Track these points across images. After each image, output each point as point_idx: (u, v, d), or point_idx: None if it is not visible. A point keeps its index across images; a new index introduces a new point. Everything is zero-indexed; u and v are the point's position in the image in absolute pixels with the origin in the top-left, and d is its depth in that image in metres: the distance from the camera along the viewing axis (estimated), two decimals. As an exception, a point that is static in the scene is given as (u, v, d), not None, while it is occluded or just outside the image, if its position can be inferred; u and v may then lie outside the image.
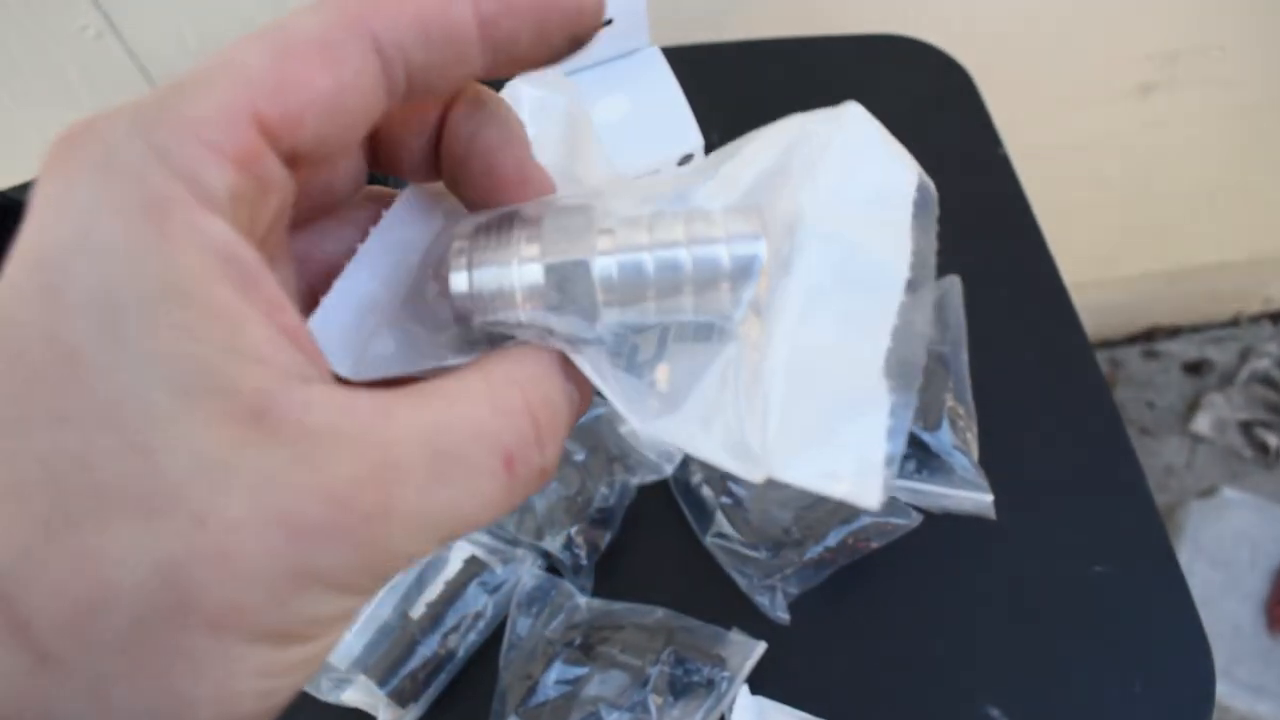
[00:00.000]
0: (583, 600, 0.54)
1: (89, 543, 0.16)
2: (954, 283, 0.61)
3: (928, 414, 0.56)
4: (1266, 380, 1.67)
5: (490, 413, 0.20)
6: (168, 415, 0.16)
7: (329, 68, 0.19)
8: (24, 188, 0.74)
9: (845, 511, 0.54)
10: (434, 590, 0.55)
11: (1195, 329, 1.72)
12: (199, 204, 0.17)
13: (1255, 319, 1.73)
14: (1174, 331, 1.72)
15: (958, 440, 0.56)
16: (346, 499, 0.17)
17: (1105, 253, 1.45)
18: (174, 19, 0.84)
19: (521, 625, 0.53)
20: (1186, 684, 0.53)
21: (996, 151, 0.68)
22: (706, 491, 0.56)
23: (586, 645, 0.52)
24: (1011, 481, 0.57)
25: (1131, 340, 1.71)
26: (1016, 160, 0.68)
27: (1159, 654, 0.54)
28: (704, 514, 0.56)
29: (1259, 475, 1.60)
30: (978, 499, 0.55)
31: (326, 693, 0.54)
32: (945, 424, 0.56)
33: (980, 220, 0.66)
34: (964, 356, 0.59)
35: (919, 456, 0.57)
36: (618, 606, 0.54)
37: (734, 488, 0.56)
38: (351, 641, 0.54)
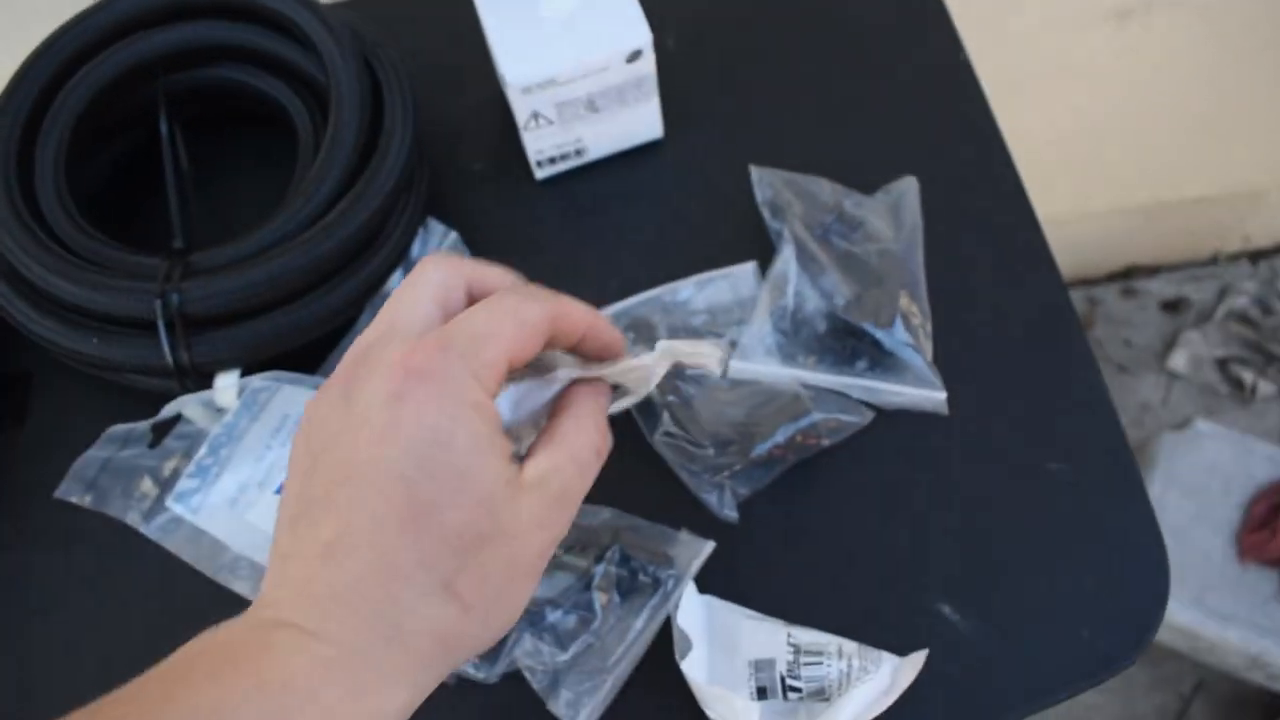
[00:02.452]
0: (527, 501, 0.53)
1: (481, 557, 0.36)
2: (910, 184, 0.60)
3: (880, 312, 0.55)
4: (1243, 318, 1.67)
5: (579, 450, 0.40)
6: (500, 495, 0.36)
7: (537, 340, 0.39)
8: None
9: (795, 409, 0.53)
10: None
11: (1174, 267, 1.71)
12: (489, 401, 0.37)
13: (1234, 257, 1.72)
14: (1153, 270, 1.71)
15: (911, 338, 0.55)
16: (563, 497, 0.39)
17: (1080, 187, 1.44)
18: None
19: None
20: (1140, 582, 0.52)
21: (959, 57, 0.67)
22: (654, 390, 0.55)
23: (529, 546, 0.51)
24: (966, 381, 0.56)
25: (1110, 279, 1.70)
26: (986, 88, 0.67)
27: (1113, 552, 0.53)
28: (651, 414, 0.55)
29: (1234, 412, 1.60)
30: (931, 396, 0.54)
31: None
32: (899, 322, 0.55)
33: (941, 125, 0.65)
34: (919, 256, 0.58)
35: (871, 354, 0.56)
36: None
37: (682, 386, 0.55)
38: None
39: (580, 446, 0.40)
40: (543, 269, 0.59)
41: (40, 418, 0.60)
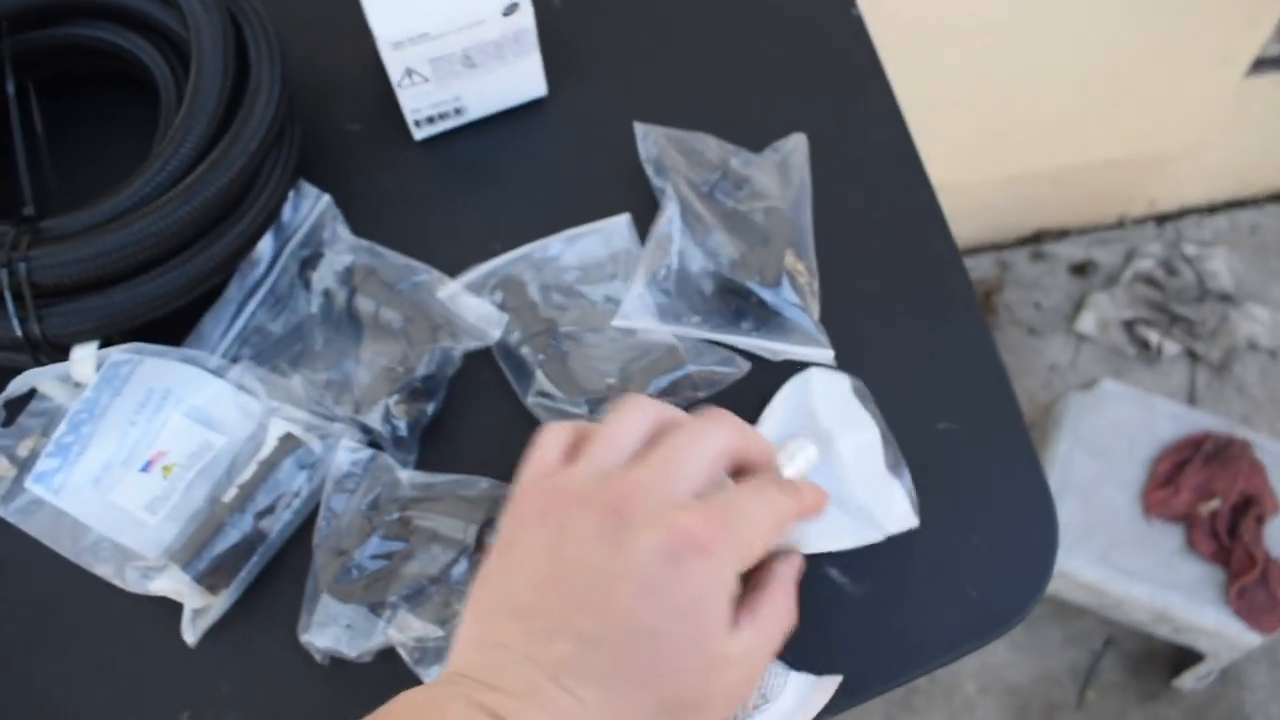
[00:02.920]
0: (404, 474, 0.51)
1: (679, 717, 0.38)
2: (799, 141, 0.59)
3: (765, 270, 0.54)
4: (1149, 280, 1.70)
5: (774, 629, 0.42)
6: (715, 668, 0.39)
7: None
8: None
9: (670, 361, 0.52)
10: (248, 472, 0.51)
11: (1082, 231, 1.73)
12: (736, 582, 0.40)
13: (1140, 220, 1.74)
14: (1061, 234, 1.73)
15: (798, 298, 0.54)
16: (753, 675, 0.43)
17: (988, 151, 1.45)
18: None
19: (337, 502, 0.50)
20: (1028, 541, 0.52)
21: (850, 12, 0.66)
22: (526, 351, 0.53)
23: (405, 520, 0.49)
24: (854, 339, 0.55)
25: (1020, 243, 1.72)
26: (881, 48, 0.66)
27: (1001, 512, 0.52)
28: (524, 375, 0.53)
29: (1141, 372, 1.63)
30: (818, 354, 0.53)
31: (134, 584, 0.50)
32: (785, 281, 0.54)
33: (832, 82, 0.64)
34: (807, 214, 0.57)
35: (758, 314, 0.55)
36: (440, 479, 0.51)
37: (554, 344, 0.53)
38: (160, 529, 0.51)
39: (776, 626, 0.42)
40: (422, 231, 0.57)
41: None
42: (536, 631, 0.38)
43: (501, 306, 0.56)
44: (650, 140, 0.58)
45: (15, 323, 0.50)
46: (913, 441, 0.52)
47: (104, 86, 0.63)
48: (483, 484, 0.51)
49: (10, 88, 0.57)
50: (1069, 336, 1.64)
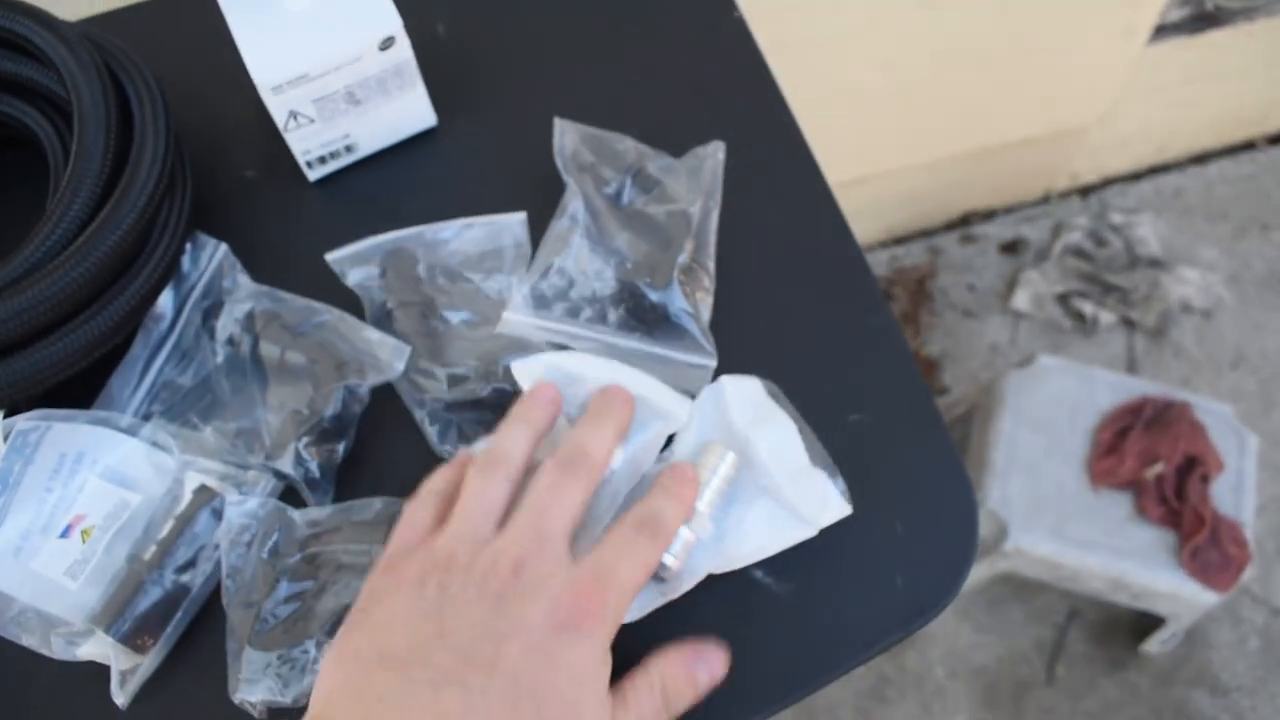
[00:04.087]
0: (297, 514, 0.51)
1: None
2: (717, 147, 0.59)
3: (656, 273, 0.54)
4: (1079, 253, 1.72)
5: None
6: None
7: None
8: None
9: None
10: (165, 527, 0.51)
11: (1009, 210, 1.75)
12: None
13: (1064, 195, 1.77)
14: (988, 215, 1.75)
15: (687, 302, 0.54)
16: None
17: (907, 138, 1.47)
18: None
19: (235, 557, 0.50)
20: (949, 523, 0.53)
21: (733, 15, 0.66)
22: (399, 318, 0.56)
23: (309, 557, 0.49)
24: (761, 342, 0.56)
25: (949, 227, 1.74)
26: (785, 51, 0.67)
27: (920, 498, 0.53)
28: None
29: (1079, 344, 1.65)
30: (700, 363, 0.54)
31: (61, 651, 0.50)
32: (675, 286, 0.54)
33: (721, 87, 0.64)
34: (713, 219, 0.57)
35: (647, 318, 0.55)
36: (331, 510, 0.51)
37: (427, 319, 0.56)
38: (82, 593, 0.51)
39: (646, 708, 0.44)
40: (325, 272, 0.57)
41: None
42: (420, 682, 0.39)
43: (382, 275, 0.57)
44: (567, 136, 0.59)
45: (-88, 399, 0.50)
46: (827, 435, 0.52)
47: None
48: (376, 505, 0.51)
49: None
50: (1005, 315, 1.66)
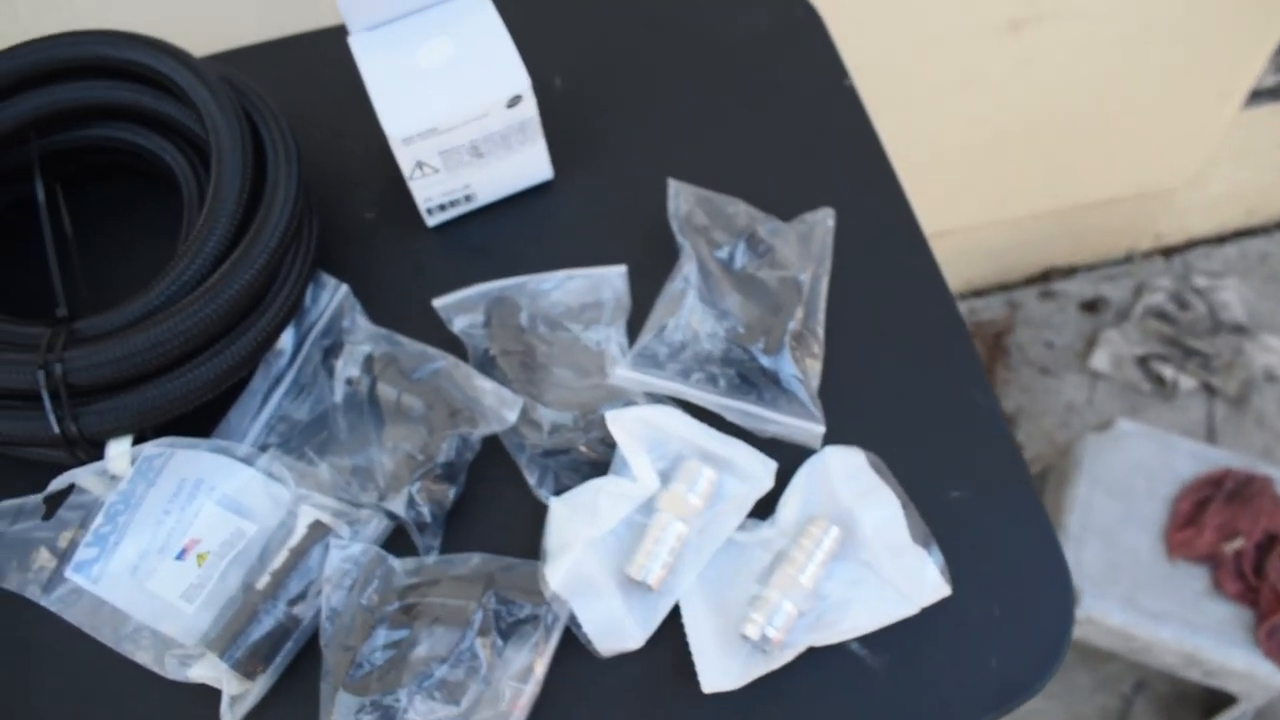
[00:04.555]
0: (397, 563, 0.53)
1: None
2: (827, 215, 0.61)
3: (767, 338, 0.55)
4: (1160, 314, 1.70)
5: None
6: None
7: None
8: None
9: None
10: (279, 559, 0.53)
11: (1090, 267, 1.74)
12: None
13: (1148, 255, 1.75)
14: (1070, 271, 1.73)
15: (797, 368, 0.55)
16: None
17: (992, 194, 1.46)
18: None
19: (335, 599, 0.51)
20: (1046, 606, 0.53)
21: (843, 84, 0.68)
22: (502, 364, 0.57)
23: (407, 607, 0.51)
24: (862, 410, 0.57)
25: (1029, 282, 1.73)
26: (879, 104, 0.68)
27: (1017, 578, 0.53)
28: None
29: (1157, 408, 1.63)
30: (808, 429, 0.55)
31: (173, 671, 0.52)
32: (786, 350, 0.55)
33: (830, 152, 0.65)
34: (823, 288, 0.58)
35: (757, 381, 0.56)
36: (431, 561, 0.53)
37: (528, 367, 0.57)
38: (196, 616, 0.52)
39: None
40: (435, 314, 0.59)
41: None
42: None
43: (486, 323, 0.58)
44: (681, 197, 0.60)
45: (53, 421, 0.52)
46: (926, 510, 0.53)
47: (126, 182, 0.65)
48: (474, 560, 0.52)
49: (40, 194, 0.59)
50: (1083, 375, 1.65)
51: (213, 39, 0.72)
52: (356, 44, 0.58)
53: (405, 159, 0.57)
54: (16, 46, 0.60)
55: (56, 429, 0.52)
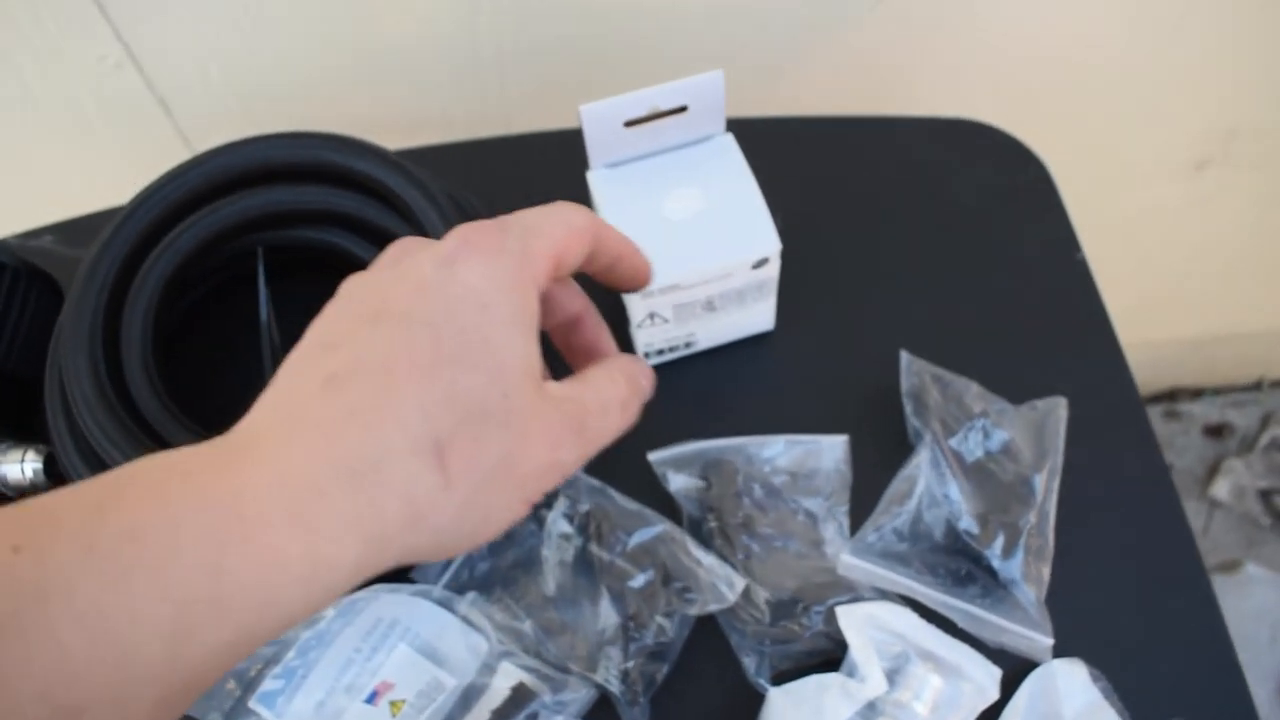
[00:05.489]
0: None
1: (480, 432, 0.33)
2: (1058, 404, 0.58)
3: (998, 537, 0.53)
4: (1286, 447, 1.65)
5: (604, 392, 0.39)
6: (518, 378, 0.34)
7: (583, 247, 0.39)
8: (36, 234, 0.70)
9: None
10: (479, 717, 0.51)
11: (1217, 391, 1.69)
12: (533, 288, 0.36)
13: (1277, 384, 1.70)
14: (1196, 393, 1.69)
15: (1028, 572, 0.52)
16: (580, 426, 0.37)
17: (1129, 316, 1.42)
18: (198, 53, 0.80)
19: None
20: None
21: (1075, 257, 0.65)
22: (719, 542, 0.55)
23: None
24: (1086, 619, 0.54)
25: (1153, 400, 1.68)
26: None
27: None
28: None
29: (1276, 544, 1.58)
30: (1036, 640, 0.52)
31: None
32: (1020, 554, 0.52)
33: (1059, 330, 0.63)
34: (1054, 486, 0.56)
35: (984, 581, 0.53)
36: None
37: (748, 540, 0.55)
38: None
39: (607, 391, 0.39)
40: (647, 465, 0.57)
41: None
42: (309, 366, 0.34)
43: (703, 485, 0.56)
44: (913, 372, 0.58)
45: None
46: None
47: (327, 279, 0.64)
48: None
49: (264, 313, 0.58)
50: (1202, 501, 1.60)
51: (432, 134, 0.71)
52: (596, 180, 0.56)
53: (638, 309, 0.55)
54: (242, 142, 0.58)
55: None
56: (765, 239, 0.54)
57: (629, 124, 0.54)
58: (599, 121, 0.53)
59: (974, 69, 0.89)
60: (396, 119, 0.86)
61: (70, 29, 0.75)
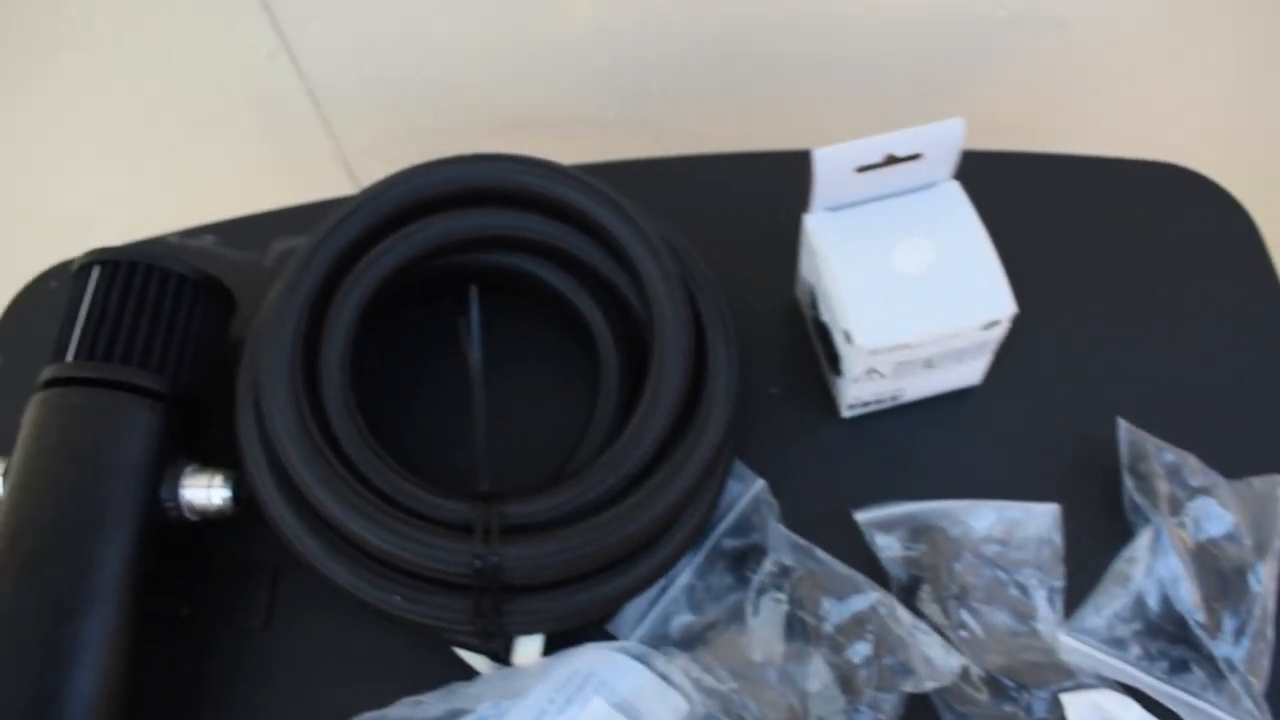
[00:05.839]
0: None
1: None
2: (1276, 484, 0.54)
3: (1229, 630, 0.51)
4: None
5: None
6: None
7: None
8: (196, 233, 0.68)
9: (1057, 675, 0.51)
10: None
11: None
12: None
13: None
14: None
15: (1252, 665, 0.50)
16: None
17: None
18: (354, 47, 0.78)
19: None
20: None
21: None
22: (933, 611, 0.53)
23: None
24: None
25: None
26: None
27: None
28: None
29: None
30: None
31: None
32: (1246, 644, 0.50)
33: (1266, 399, 0.59)
34: (1275, 572, 0.53)
35: (1205, 669, 0.51)
36: None
37: (961, 613, 0.53)
38: None
39: None
40: (847, 522, 0.55)
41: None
42: None
43: (916, 552, 0.54)
44: (1132, 443, 0.55)
45: (473, 615, 0.48)
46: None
47: (514, 303, 0.62)
48: None
49: (474, 354, 0.56)
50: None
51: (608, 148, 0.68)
52: (815, 223, 0.54)
53: (858, 364, 0.53)
54: (439, 162, 0.56)
55: (474, 623, 0.49)
56: (1000, 300, 0.52)
57: (860, 169, 0.52)
58: (830, 166, 0.51)
59: (1166, 105, 0.84)
60: (547, 117, 0.84)
61: (230, 20, 0.73)
